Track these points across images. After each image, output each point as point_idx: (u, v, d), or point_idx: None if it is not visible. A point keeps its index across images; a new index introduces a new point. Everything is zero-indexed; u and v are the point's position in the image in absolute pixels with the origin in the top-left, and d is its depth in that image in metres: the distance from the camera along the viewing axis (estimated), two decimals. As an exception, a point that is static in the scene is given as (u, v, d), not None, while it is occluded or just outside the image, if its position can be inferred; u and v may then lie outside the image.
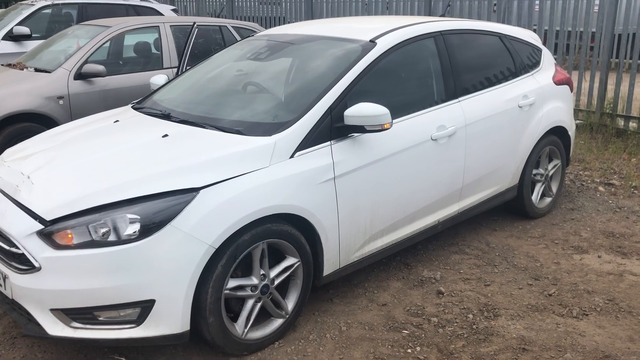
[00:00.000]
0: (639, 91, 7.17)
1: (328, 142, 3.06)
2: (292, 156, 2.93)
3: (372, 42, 3.48)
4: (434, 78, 3.72)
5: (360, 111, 3.04)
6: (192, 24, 5.04)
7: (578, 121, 7.40)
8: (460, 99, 3.80)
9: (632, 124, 7.09)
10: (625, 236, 4.36)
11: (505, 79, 4.20)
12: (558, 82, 4.64)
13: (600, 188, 5.38)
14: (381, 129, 3.06)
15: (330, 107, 3.10)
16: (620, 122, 7.24)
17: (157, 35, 6.44)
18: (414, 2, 9.42)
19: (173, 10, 10.42)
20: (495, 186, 4.21)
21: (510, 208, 4.58)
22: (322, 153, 3.02)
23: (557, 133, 4.67)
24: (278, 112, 3.18)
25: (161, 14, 9.77)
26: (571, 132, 4.82)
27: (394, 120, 3.34)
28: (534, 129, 4.35)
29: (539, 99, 4.38)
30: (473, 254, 4.08)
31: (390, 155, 3.30)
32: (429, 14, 9.22)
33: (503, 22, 8.21)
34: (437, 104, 3.67)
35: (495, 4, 8.21)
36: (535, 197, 4.63)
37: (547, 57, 4.69)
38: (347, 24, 4.04)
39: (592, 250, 4.14)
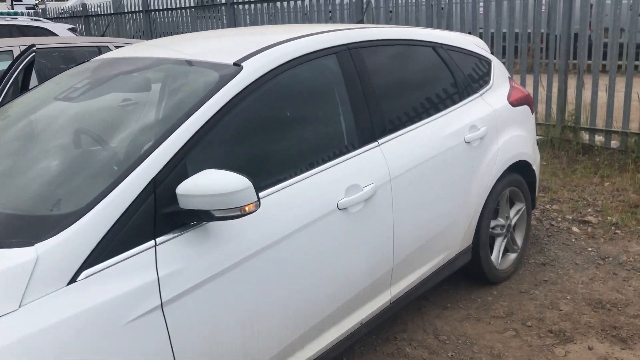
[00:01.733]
0: (620, 100, 6.16)
1: (149, 243, 1.80)
2: (73, 280, 1.65)
3: (237, 66, 2.24)
4: (340, 113, 2.51)
5: (203, 186, 1.79)
6: (33, 47, 3.70)
7: (537, 137, 6.35)
8: (380, 141, 2.60)
9: (599, 138, 6.07)
10: (618, 306, 3.23)
11: (445, 105, 3.03)
12: (515, 103, 3.50)
13: (574, 228, 4.27)
14: (240, 213, 1.82)
15: (153, 180, 1.84)
16: (585, 136, 6.21)
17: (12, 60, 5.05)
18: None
19: (70, 29, 9.00)
20: (441, 254, 3.02)
21: (465, 269, 3.40)
22: (137, 265, 1.76)
23: (519, 169, 3.54)
24: (62, 194, 1.88)
25: (54, 34, 8.38)
26: (536, 165, 3.69)
27: (269, 192, 2.12)
28: (488, 170, 3.19)
29: (492, 128, 3.22)
30: (417, 356, 2.86)
31: (267, 247, 2.06)
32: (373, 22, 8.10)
33: (446, 27, 7.13)
34: (344, 152, 2.45)
35: (442, 7, 7.11)
36: (496, 256, 3.47)
37: (499, 71, 3.55)
38: (217, 39, 2.79)
39: (579, 335, 2.99)
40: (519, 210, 3.64)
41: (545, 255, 3.87)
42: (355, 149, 2.49)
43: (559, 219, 4.45)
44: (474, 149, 3.08)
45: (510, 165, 3.39)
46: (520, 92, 3.62)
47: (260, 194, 2.10)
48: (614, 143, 5.98)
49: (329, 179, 2.32)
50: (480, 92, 3.28)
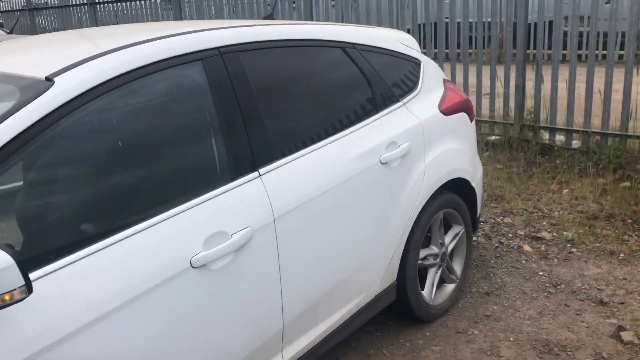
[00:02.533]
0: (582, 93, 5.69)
1: None
2: None
3: (49, 81, 1.67)
4: (205, 137, 1.97)
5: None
6: None
7: (494, 137, 5.87)
8: (263, 170, 2.06)
9: (559, 137, 5.60)
10: (567, 349, 2.75)
11: (355, 119, 2.49)
12: (449, 110, 2.98)
13: (526, 247, 3.79)
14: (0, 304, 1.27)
15: None
16: (545, 136, 5.74)
17: None
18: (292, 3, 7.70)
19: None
20: (354, 299, 2.50)
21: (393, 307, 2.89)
22: None
23: (455, 187, 3.04)
24: None
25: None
26: (476, 182, 3.18)
27: (86, 253, 1.57)
28: (413, 193, 2.67)
29: (417, 143, 2.70)
30: None
31: (86, 327, 1.52)
32: (311, 18, 7.52)
33: (405, 20, 6.59)
34: (206, 190, 1.90)
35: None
36: (428, 290, 2.97)
37: (430, 73, 3.02)
38: (55, 43, 2.20)
39: (519, 393, 2.50)
40: (456, 235, 3.14)
41: (491, 282, 3.38)
42: (223, 183, 1.94)
43: (510, 235, 3.96)
44: (393, 170, 2.56)
45: (442, 185, 2.88)
46: (456, 97, 3.10)
47: (76, 254, 1.55)
48: (575, 143, 5.52)
49: (180, 228, 1.78)
50: (404, 100, 2.75)
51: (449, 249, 3.08)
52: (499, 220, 4.21)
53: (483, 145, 5.74)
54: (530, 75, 5.71)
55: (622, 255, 3.60)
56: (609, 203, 4.30)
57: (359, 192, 2.38)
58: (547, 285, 3.32)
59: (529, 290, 3.27)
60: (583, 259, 3.60)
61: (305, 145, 2.23)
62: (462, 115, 3.09)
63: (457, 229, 3.14)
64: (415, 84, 2.88)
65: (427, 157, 2.76)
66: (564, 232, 3.92)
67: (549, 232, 3.96)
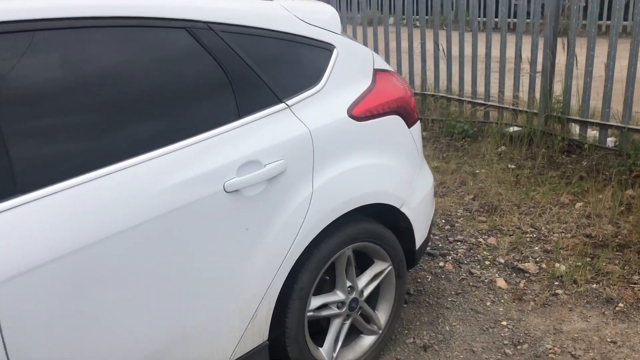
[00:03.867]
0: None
1: None
2: None
3: None
4: None
5: None
6: None
7: (514, 128, 4.96)
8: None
9: (592, 133, 4.63)
10: None
11: (195, 129, 1.80)
12: (368, 114, 2.23)
13: (500, 282, 3.00)
14: None
15: None
16: (575, 130, 4.78)
17: None
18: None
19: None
20: (186, 371, 1.86)
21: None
22: None
23: (382, 213, 2.31)
24: None
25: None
26: (412, 206, 2.42)
27: None
28: (289, 228, 1.98)
29: (299, 160, 1.99)
30: None
31: None
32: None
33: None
34: None
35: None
36: (329, 348, 2.28)
37: (348, 63, 2.26)
38: None
39: None
40: (379, 274, 2.41)
41: (436, 331, 2.64)
42: None
43: (487, 263, 3.17)
44: (251, 200, 1.86)
45: (353, 212, 2.16)
46: (387, 95, 2.33)
47: None
48: (611, 141, 4.54)
49: None
50: (290, 101, 2.02)
51: (366, 292, 2.36)
52: (480, 240, 3.41)
53: (498, 139, 4.85)
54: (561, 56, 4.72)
55: (621, 305, 2.75)
56: (628, 226, 3.39)
57: (182, 232, 1.72)
58: (506, 342, 2.55)
59: (479, 349, 2.52)
60: (568, 305, 2.78)
61: (92, 167, 1.58)
62: (393, 120, 2.33)
63: (381, 267, 2.41)
64: (317, 78, 2.14)
65: (318, 179, 2.04)
66: (556, 265, 3.08)
67: (536, 263, 3.13)
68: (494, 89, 5.19)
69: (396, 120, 2.35)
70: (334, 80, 2.19)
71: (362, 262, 2.42)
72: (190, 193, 1.73)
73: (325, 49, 2.20)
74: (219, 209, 1.79)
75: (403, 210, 2.38)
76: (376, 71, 2.39)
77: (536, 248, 3.28)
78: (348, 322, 2.32)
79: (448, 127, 5.26)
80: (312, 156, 2.02)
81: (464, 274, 3.07)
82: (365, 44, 6.08)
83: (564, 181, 4.06)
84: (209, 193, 1.77)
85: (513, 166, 4.43)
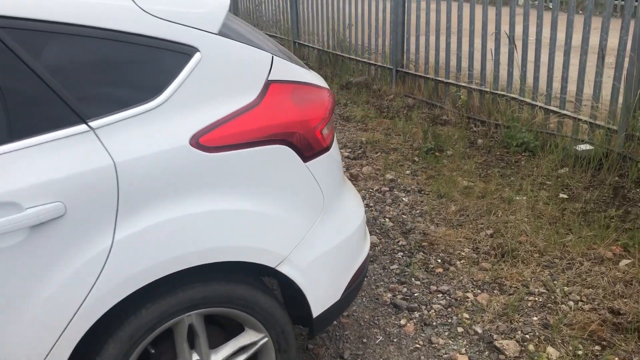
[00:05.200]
0: None
1: None
2: None
3: None
4: None
5: None
6: None
7: (584, 146, 4.01)
8: None
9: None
10: None
11: None
12: (229, 141, 1.68)
13: (462, 362, 2.31)
14: None
15: None
16: (663, 156, 3.75)
17: None
18: None
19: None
20: None
21: None
22: None
23: (259, 273, 1.78)
24: None
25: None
26: (299, 266, 1.84)
27: None
28: (69, 290, 1.51)
29: (91, 201, 1.49)
30: None
31: None
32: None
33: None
34: None
35: None
36: None
37: (212, 71, 1.71)
38: None
39: None
40: (249, 346, 1.87)
41: (343, 420, 2.05)
42: None
43: (459, 330, 2.47)
44: (3, 253, 1.42)
45: (203, 270, 1.66)
46: (271, 117, 1.75)
47: None
48: None
49: None
50: (97, 121, 1.53)
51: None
52: (469, 295, 2.69)
53: (562, 158, 3.95)
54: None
55: None
56: (679, 305, 2.49)
57: None
58: None
59: None
60: (535, 416, 2.04)
61: None
62: (275, 152, 1.75)
63: (252, 338, 1.86)
64: (157, 91, 1.62)
65: (125, 228, 1.54)
66: (547, 349, 2.31)
67: (522, 342, 2.37)
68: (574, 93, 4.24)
69: (281, 153, 1.76)
70: (185, 95, 1.65)
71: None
72: None
73: (180, 53, 1.67)
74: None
75: (283, 270, 1.80)
76: (270, 84, 1.81)
77: (534, 318, 2.50)
78: (197, 407, 1.82)
79: (506, 137, 4.40)
80: (116, 197, 1.52)
81: (421, 342, 2.41)
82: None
83: (620, 225, 3.15)
84: None
85: (565, 196, 3.55)
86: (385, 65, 6.26)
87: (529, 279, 2.76)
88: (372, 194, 3.77)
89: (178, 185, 1.61)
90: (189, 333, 1.77)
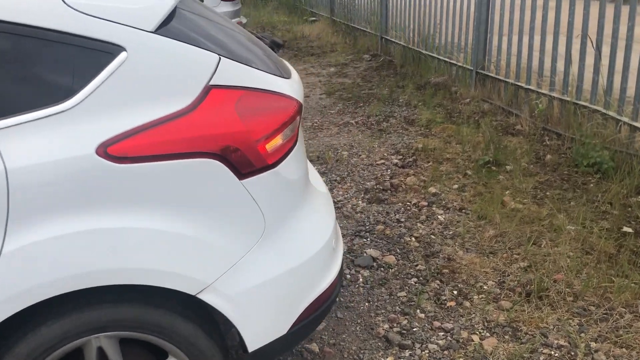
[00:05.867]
0: None
1: None
2: None
3: None
4: None
5: None
6: None
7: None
8: None
9: None
10: None
11: None
12: (145, 152, 1.52)
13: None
14: None
15: None
16: None
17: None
18: None
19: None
20: None
21: None
22: None
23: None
24: None
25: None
26: (227, 294, 1.64)
27: None
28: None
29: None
30: None
31: None
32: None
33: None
34: None
35: None
36: None
37: (139, 72, 1.55)
38: None
39: None
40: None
41: None
42: None
43: (450, 379, 2.15)
44: None
45: (117, 290, 1.53)
46: (202, 127, 1.57)
47: None
48: None
49: None
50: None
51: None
52: (474, 338, 2.35)
53: (635, 181, 3.42)
54: None
55: None
56: None
57: None
58: None
59: None
60: None
61: None
62: (203, 166, 1.56)
63: (166, 367, 1.70)
64: (67, 94, 1.49)
65: (15, 239, 1.42)
66: (545, 418, 1.94)
67: (518, 404, 2.02)
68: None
69: (210, 168, 1.57)
70: (102, 98, 1.51)
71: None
72: None
73: (103, 52, 1.53)
74: None
75: (205, 298, 1.62)
76: (211, 89, 1.62)
77: (543, 377, 2.13)
78: None
79: (577, 154, 3.89)
80: (6, 205, 1.41)
81: (401, 387, 2.12)
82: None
83: (682, 274, 2.63)
84: None
85: (629, 230, 3.05)
86: (465, 66, 5.82)
87: (551, 327, 2.37)
88: (408, 207, 3.46)
89: (82, 198, 1.47)
90: (105, 356, 1.64)
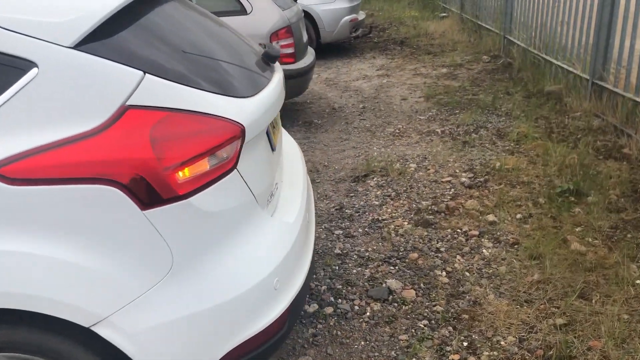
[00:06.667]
0: None
1: None
2: None
3: None
4: None
5: None
6: None
7: None
8: None
9: None
10: None
11: None
12: (37, 175, 1.46)
13: None
14: None
15: None
16: None
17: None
18: None
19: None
20: None
21: None
22: None
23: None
24: None
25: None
26: (125, 330, 1.54)
27: None
28: None
29: None
30: None
31: None
32: None
33: None
34: None
35: None
36: None
37: (51, 89, 1.49)
38: None
39: None
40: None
41: None
42: None
43: None
44: None
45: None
46: (104, 152, 1.48)
47: None
48: None
49: None
50: None
51: None
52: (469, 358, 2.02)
53: None
54: None
55: None
56: None
57: None
58: None
59: None
60: None
61: None
62: (101, 192, 1.47)
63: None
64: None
65: None
66: None
67: None
68: None
69: (108, 195, 1.48)
70: (5, 116, 1.47)
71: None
72: None
73: (12, 67, 1.50)
74: None
75: (100, 332, 1.53)
76: (128, 109, 1.52)
77: None
78: None
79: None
80: None
81: None
82: None
83: None
84: None
85: None
86: (582, 75, 5.16)
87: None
88: (455, 236, 3.11)
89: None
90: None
